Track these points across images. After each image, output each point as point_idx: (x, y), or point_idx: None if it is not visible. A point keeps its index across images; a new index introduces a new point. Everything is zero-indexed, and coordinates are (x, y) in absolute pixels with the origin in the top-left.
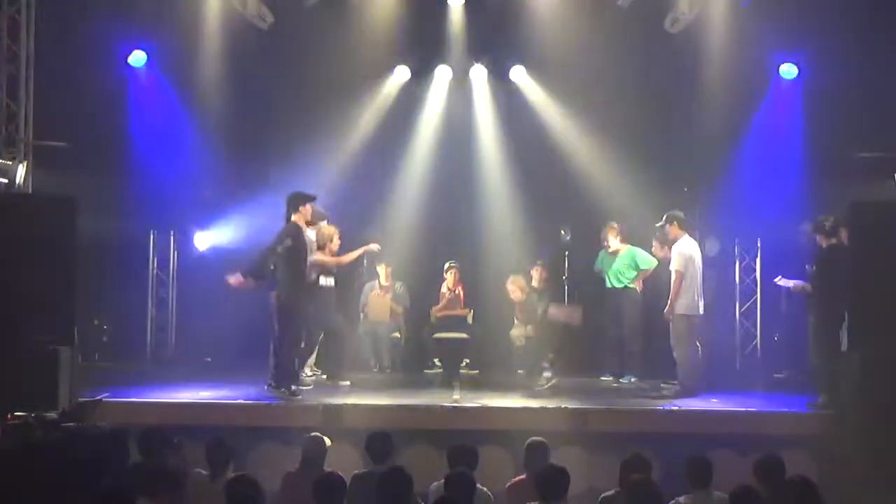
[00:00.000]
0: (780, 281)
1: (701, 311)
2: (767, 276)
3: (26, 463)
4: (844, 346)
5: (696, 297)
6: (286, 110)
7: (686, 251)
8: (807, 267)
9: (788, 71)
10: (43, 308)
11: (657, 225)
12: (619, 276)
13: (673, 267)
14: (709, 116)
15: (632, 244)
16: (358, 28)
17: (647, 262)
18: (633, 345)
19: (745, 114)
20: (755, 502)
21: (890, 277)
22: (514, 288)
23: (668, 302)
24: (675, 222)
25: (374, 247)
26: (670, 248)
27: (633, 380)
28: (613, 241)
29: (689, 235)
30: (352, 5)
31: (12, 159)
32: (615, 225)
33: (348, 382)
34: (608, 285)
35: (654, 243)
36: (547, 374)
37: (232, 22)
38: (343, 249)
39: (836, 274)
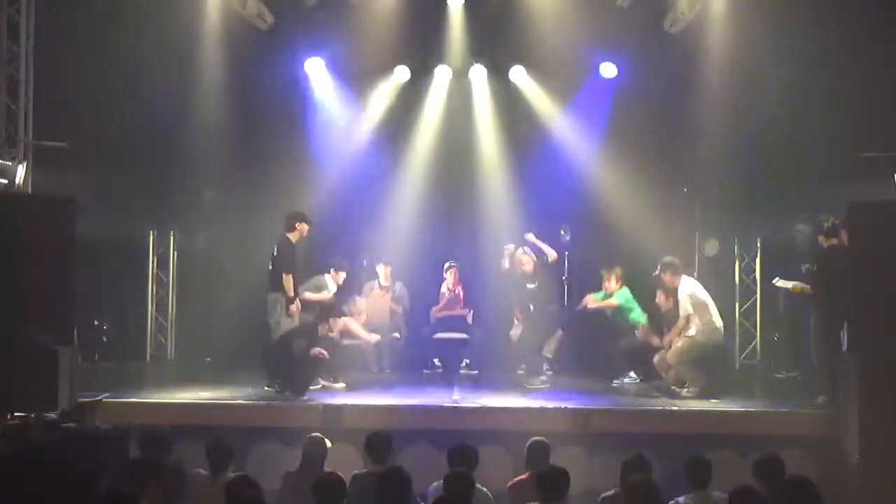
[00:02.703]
0: (779, 282)
1: (721, 335)
2: (767, 276)
3: (26, 463)
4: (844, 346)
5: (715, 324)
6: (286, 110)
7: (687, 290)
8: (807, 266)
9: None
10: (43, 308)
11: (654, 274)
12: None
13: (683, 313)
14: (709, 116)
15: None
16: (358, 28)
17: (636, 318)
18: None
19: (744, 113)
20: (755, 502)
21: (890, 277)
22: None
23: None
24: (667, 271)
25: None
26: (669, 295)
27: (625, 381)
28: (613, 286)
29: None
30: (351, 5)
31: (12, 159)
32: (619, 270)
33: (343, 384)
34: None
35: (659, 293)
36: (542, 377)
37: (232, 22)
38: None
39: (837, 274)
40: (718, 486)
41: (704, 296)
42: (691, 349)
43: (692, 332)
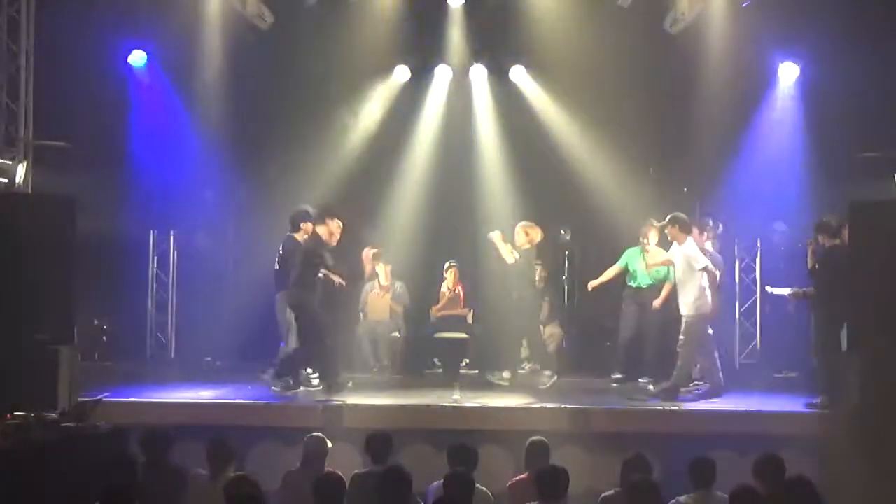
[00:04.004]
0: (773, 290)
1: (709, 307)
2: (767, 276)
3: (26, 463)
4: (844, 346)
5: (707, 296)
6: (286, 110)
7: (691, 251)
8: (808, 262)
9: (788, 70)
10: (43, 308)
11: (660, 224)
12: (652, 275)
13: (700, 266)
14: (709, 116)
15: (634, 247)
16: (358, 28)
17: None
18: (648, 347)
19: (745, 113)
20: (755, 502)
21: (890, 277)
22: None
23: (708, 301)
24: (676, 225)
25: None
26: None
27: (642, 381)
28: (653, 239)
29: (693, 238)
30: (352, 5)
31: (12, 159)
32: (657, 224)
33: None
34: (633, 284)
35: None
36: (547, 373)
37: (232, 22)
38: (343, 247)
39: (838, 274)
40: (718, 486)
41: (702, 263)
42: (689, 328)
43: (688, 309)
